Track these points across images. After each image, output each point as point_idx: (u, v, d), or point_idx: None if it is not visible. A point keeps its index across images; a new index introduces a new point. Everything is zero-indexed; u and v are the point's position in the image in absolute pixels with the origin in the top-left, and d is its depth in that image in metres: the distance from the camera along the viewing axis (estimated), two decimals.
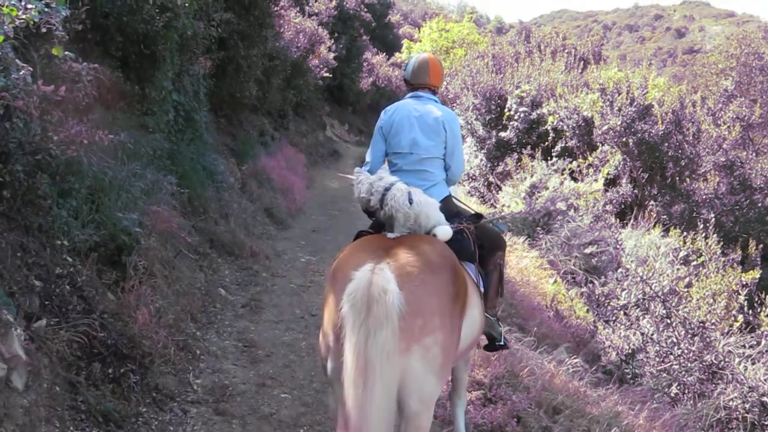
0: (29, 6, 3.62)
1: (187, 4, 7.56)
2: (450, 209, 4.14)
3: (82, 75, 4.37)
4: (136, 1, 6.51)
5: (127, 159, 5.93)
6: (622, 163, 14.09)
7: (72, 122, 4.42)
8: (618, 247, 10.83)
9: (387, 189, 3.55)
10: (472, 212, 4.36)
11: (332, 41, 22.33)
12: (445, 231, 3.65)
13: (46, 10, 3.84)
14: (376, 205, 3.61)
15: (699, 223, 9.51)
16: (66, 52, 4.26)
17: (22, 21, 3.57)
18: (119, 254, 5.21)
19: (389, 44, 41.63)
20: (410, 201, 3.53)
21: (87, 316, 4.26)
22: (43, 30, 3.92)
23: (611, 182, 14.20)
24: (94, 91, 4.66)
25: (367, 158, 4.33)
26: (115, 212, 5.19)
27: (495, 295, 4.25)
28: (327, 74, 21.34)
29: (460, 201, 4.53)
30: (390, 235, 3.46)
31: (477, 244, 4.04)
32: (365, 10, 30.96)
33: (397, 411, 2.95)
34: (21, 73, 3.56)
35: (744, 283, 7.57)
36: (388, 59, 37.70)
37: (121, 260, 5.21)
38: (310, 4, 22.47)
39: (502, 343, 4.38)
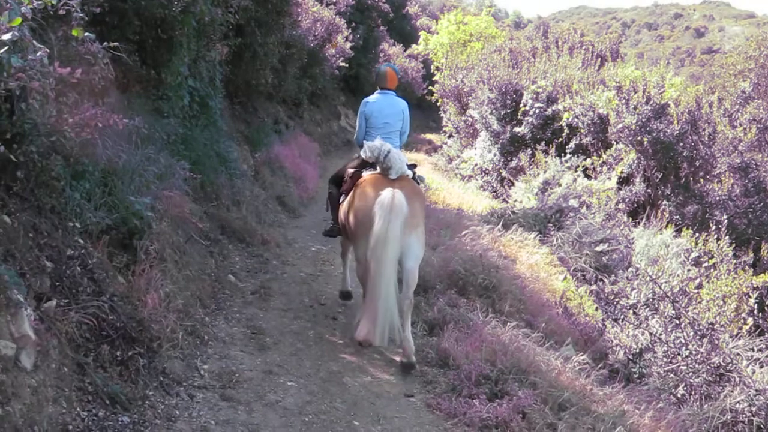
0: None
1: None
2: None
3: (99, 57, 4.37)
4: None
5: (141, 143, 5.92)
6: (636, 161, 13.98)
7: (87, 105, 4.42)
8: (629, 245, 10.78)
9: (388, 152, 6.01)
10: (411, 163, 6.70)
11: (349, 31, 22.19)
12: (410, 172, 6.35)
13: None
14: (379, 160, 6.05)
15: (711, 225, 9.43)
16: (86, 33, 4.26)
17: (40, 3, 3.57)
18: (131, 238, 5.22)
19: (406, 36, 41.42)
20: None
21: (97, 298, 4.28)
22: (62, 12, 3.91)
23: (624, 181, 14.11)
24: (110, 74, 4.66)
25: (357, 132, 7.13)
26: (127, 196, 5.19)
27: None
28: (343, 64, 21.23)
29: None
30: (391, 176, 5.98)
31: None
32: (383, 0, 30.77)
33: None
34: (38, 54, 3.55)
35: (755, 286, 7.52)
36: (404, 51, 37.51)
37: (132, 244, 5.22)
38: None
39: None
